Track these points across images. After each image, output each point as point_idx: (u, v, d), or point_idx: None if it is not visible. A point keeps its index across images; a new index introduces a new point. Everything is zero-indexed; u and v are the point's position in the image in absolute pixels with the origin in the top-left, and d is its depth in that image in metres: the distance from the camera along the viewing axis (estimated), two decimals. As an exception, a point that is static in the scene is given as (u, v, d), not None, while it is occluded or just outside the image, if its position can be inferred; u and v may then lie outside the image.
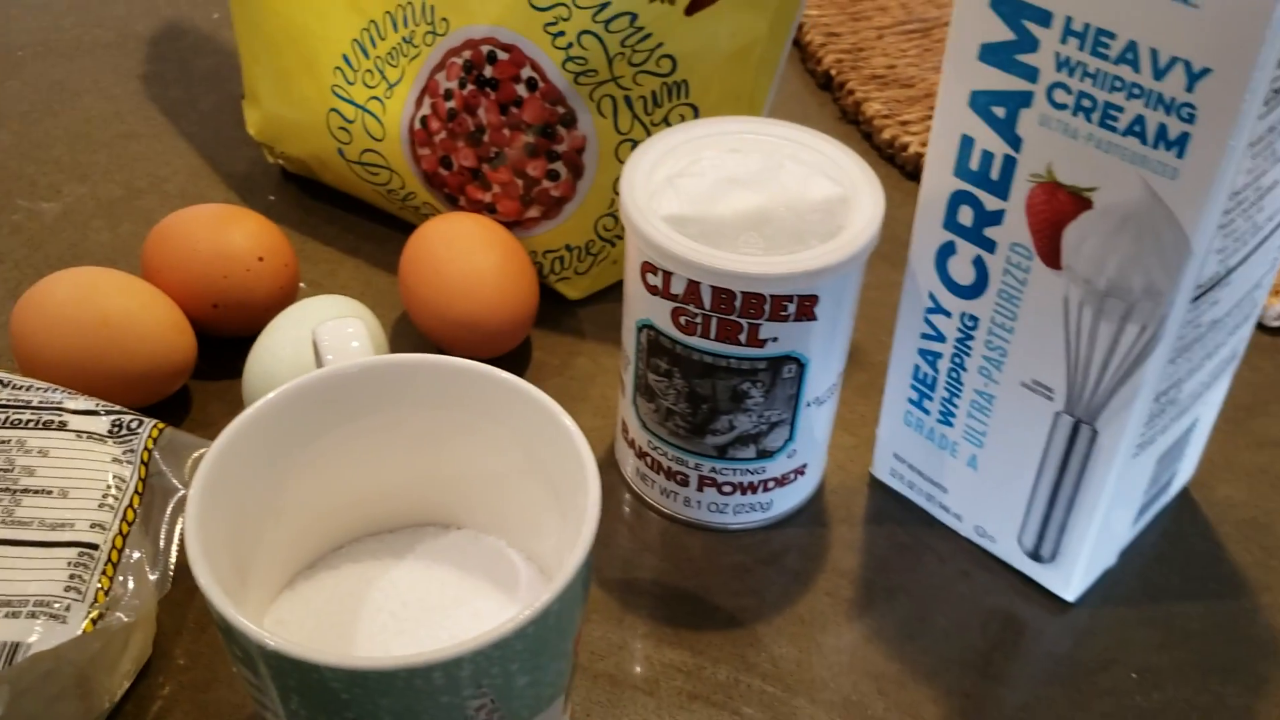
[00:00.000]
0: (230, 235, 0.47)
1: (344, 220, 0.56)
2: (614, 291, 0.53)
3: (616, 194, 0.49)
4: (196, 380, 0.48)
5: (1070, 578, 0.41)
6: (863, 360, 0.51)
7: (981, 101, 0.35)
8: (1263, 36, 0.29)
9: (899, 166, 0.61)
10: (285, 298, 0.48)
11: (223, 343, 0.49)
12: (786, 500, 0.44)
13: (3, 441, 0.38)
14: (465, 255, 0.47)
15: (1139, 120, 0.32)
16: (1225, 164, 0.31)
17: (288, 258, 0.49)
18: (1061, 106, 0.33)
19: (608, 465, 0.47)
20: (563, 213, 0.50)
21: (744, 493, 0.43)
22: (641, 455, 0.44)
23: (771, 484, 0.43)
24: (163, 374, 0.45)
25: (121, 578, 0.36)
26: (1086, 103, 0.33)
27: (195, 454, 0.41)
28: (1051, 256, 0.36)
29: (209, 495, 0.32)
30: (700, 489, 0.43)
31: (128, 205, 0.57)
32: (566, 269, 0.52)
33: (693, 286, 0.38)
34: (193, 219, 0.48)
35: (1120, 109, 0.32)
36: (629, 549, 0.44)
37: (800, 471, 0.44)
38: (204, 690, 0.39)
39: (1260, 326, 0.53)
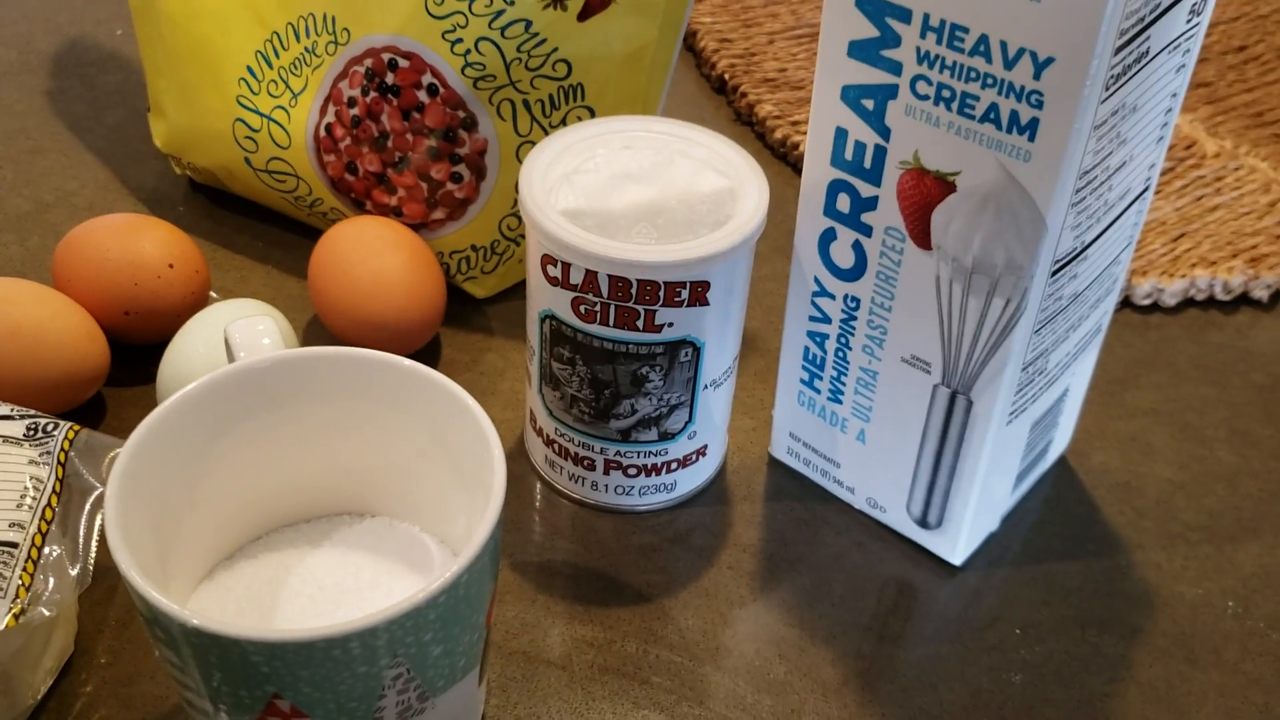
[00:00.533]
0: (140, 243, 0.48)
1: (253, 229, 0.58)
2: (520, 290, 0.55)
3: (518, 193, 0.51)
4: (110, 387, 0.49)
5: (956, 543, 0.44)
6: (760, 347, 0.53)
7: (852, 95, 0.38)
8: (1098, 27, 0.32)
9: (790, 165, 0.63)
10: (196, 304, 0.49)
11: (136, 350, 0.50)
12: (690, 481, 0.46)
13: (-82, 448, 0.39)
14: (373, 257, 0.48)
15: (993, 108, 0.35)
16: (1072, 146, 0.34)
17: (198, 264, 0.50)
18: (924, 97, 0.36)
19: (518, 455, 0.48)
20: (467, 214, 0.52)
21: (649, 474, 0.45)
22: (549, 443, 0.46)
23: (675, 465, 0.45)
24: (76, 381, 0.46)
25: (42, 575, 0.37)
26: (946, 93, 0.35)
27: (112, 453, 0.42)
28: (922, 238, 0.38)
29: (127, 485, 0.33)
30: (607, 472, 0.45)
31: (36, 219, 0.57)
32: (473, 269, 0.53)
33: (590, 276, 0.40)
34: (103, 228, 0.49)
35: (976, 98, 0.35)
36: (541, 534, 0.45)
37: (702, 452, 0.46)
38: (127, 685, 0.40)
39: (1131, 305, 0.56)
